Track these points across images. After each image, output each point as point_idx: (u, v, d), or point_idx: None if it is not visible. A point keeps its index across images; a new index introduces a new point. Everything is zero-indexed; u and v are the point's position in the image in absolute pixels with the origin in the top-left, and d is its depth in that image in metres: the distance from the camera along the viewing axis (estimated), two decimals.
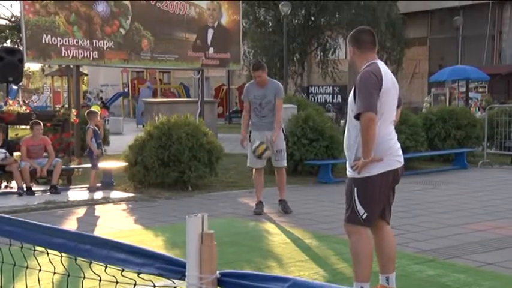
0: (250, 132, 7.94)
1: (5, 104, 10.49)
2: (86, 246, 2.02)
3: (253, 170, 8.01)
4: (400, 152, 4.38)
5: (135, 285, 1.99)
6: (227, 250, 5.79)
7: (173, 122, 9.98)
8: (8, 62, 12.85)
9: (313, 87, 32.82)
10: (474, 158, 13.66)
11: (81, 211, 8.36)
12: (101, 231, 7.01)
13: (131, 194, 9.51)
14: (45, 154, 9.86)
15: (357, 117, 4.14)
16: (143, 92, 31.86)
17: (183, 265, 1.77)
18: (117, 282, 2.05)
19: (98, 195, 9.42)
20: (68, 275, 2.26)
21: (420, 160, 12.84)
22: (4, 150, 9.43)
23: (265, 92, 7.81)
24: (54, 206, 8.51)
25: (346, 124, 4.46)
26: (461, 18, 26.17)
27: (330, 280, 4.94)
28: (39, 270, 2.43)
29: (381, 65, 4.33)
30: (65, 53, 11.89)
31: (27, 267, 2.51)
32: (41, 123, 9.85)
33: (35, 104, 32.38)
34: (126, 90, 38.67)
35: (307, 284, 1.59)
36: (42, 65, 29.87)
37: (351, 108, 4.28)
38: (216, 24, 14.72)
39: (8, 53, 13.23)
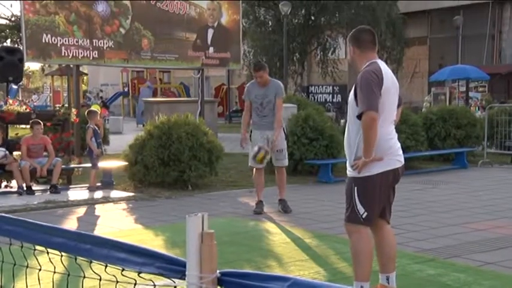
0: (251, 132, 7.95)
1: (5, 103, 10.49)
2: (86, 246, 2.02)
3: (254, 169, 8.01)
4: (401, 152, 4.38)
5: (135, 284, 1.99)
6: (227, 249, 5.80)
7: (173, 121, 9.99)
8: (8, 62, 12.85)
9: (313, 87, 32.83)
10: (474, 158, 13.66)
11: (81, 210, 8.36)
12: (101, 230, 7.01)
13: (131, 194, 9.51)
14: (45, 153, 9.87)
15: (360, 117, 4.14)
16: (143, 92, 31.85)
17: (183, 264, 1.77)
18: (117, 282, 2.05)
19: (98, 194, 9.43)
20: (68, 275, 2.26)
21: (420, 159, 12.84)
22: (4, 149, 9.43)
23: (266, 92, 7.81)
24: (54, 206, 8.51)
25: (347, 123, 4.46)
26: (461, 18, 26.16)
27: (330, 279, 4.94)
28: (40, 270, 2.43)
29: (382, 64, 4.33)
30: (65, 52, 11.89)
31: (27, 267, 2.51)
32: (41, 122, 9.85)
33: (35, 104, 32.39)
34: (126, 89, 38.66)
35: (307, 284, 1.59)
36: (42, 64, 29.85)
37: (351, 107, 4.28)
38: (216, 24, 14.72)
39: (8, 53, 13.24)
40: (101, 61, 12.82)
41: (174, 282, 1.83)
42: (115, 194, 9.51)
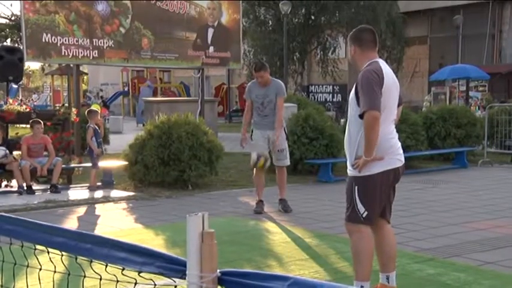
0: (252, 132, 7.96)
1: (5, 102, 10.49)
2: (87, 245, 2.02)
3: (254, 169, 8.01)
4: (401, 151, 4.38)
5: (135, 284, 1.99)
6: (227, 249, 5.80)
7: (173, 121, 9.98)
8: (8, 61, 12.87)
9: (313, 86, 32.82)
10: (474, 157, 13.66)
11: (81, 210, 8.36)
12: (101, 230, 7.01)
13: (131, 193, 9.51)
14: (45, 153, 9.87)
15: (361, 116, 4.13)
16: (143, 91, 31.84)
17: (183, 264, 1.77)
18: (117, 281, 2.05)
19: (98, 194, 9.43)
20: (69, 274, 2.26)
21: (420, 159, 12.84)
22: (4, 148, 9.43)
23: (267, 92, 7.82)
24: (54, 205, 8.51)
25: (347, 123, 4.46)
26: (461, 17, 26.15)
27: (331, 279, 4.94)
28: (40, 269, 2.43)
29: (382, 63, 4.33)
30: (65, 52, 11.89)
31: (27, 266, 2.51)
32: (41, 122, 9.86)
33: (35, 103, 32.38)
34: (126, 89, 38.64)
35: (308, 283, 1.59)
36: (42, 64, 29.81)
37: (352, 107, 4.28)
38: (216, 23, 14.73)
39: (8, 52, 13.25)
40: (101, 60, 12.83)
41: (175, 282, 1.83)
42: (115, 193, 9.51)
